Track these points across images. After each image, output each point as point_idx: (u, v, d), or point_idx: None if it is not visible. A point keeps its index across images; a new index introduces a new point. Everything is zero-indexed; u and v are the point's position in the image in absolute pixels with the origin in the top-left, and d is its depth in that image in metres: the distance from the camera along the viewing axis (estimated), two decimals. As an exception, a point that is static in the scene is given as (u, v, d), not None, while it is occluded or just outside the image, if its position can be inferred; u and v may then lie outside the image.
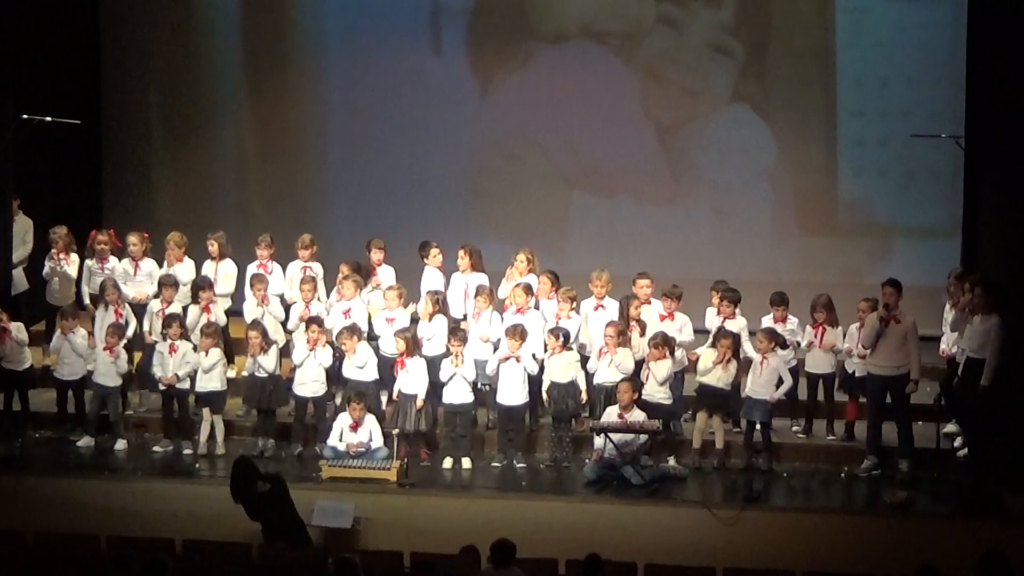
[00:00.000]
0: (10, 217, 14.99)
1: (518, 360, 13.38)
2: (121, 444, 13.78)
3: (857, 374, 13.59)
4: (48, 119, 15.11)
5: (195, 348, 13.64)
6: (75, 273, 14.84)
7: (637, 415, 13.02)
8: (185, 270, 14.64)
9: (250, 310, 14.22)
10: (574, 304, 13.79)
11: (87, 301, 14.63)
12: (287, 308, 14.41)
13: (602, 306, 13.89)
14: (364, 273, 14.47)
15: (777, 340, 13.34)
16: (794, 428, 13.93)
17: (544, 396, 13.51)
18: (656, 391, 13.31)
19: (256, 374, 13.64)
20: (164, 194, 17.32)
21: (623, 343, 13.38)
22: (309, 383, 13.66)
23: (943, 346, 13.97)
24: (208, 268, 14.72)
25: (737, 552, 12.00)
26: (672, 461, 13.30)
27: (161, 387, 13.75)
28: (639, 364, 13.43)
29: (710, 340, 13.63)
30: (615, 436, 12.94)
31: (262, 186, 17.23)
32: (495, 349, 13.69)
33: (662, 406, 13.31)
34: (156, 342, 13.88)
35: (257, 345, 13.57)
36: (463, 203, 16.76)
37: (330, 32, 16.98)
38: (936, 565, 9.99)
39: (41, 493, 12.82)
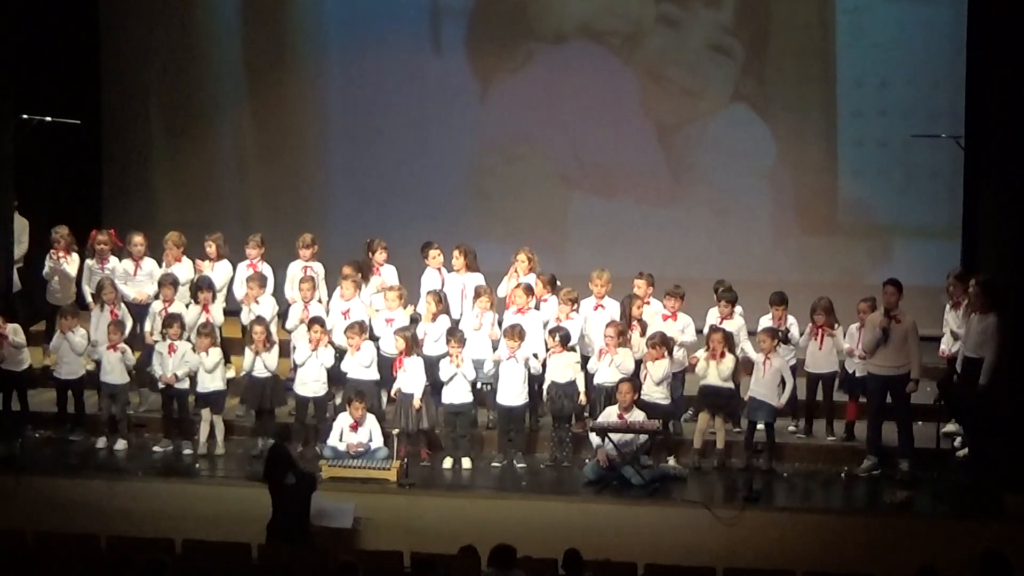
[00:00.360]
0: (11, 217, 14.99)
1: (517, 360, 13.37)
2: (121, 444, 13.78)
3: (857, 374, 13.58)
4: (48, 119, 15.13)
5: (194, 348, 13.65)
6: (75, 273, 14.83)
7: (637, 415, 13.02)
8: (183, 270, 14.63)
9: (246, 311, 14.21)
10: (575, 306, 13.78)
11: (89, 301, 14.62)
12: (286, 308, 14.41)
13: (602, 306, 13.88)
14: (364, 273, 14.46)
15: (779, 336, 13.33)
16: (790, 428, 13.92)
17: (544, 396, 13.51)
18: (653, 391, 13.29)
19: (256, 373, 13.63)
20: (164, 194, 17.31)
21: (623, 343, 13.37)
22: (310, 383, 13.65)
23: (943, 346, 13.98)
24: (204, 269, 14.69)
25: (737, 552, 11.99)
26: (672, 461, 13.30)
27: (160, 387, 13.75)
28: (639, 364, 13.43)
29: (706, 343, 13.63)
30: (615, 436, 12.93)
31: (262, 186, 17.22)
32: (494, 349, 13.70)
33: (659, 406, 13.28)
34: (156, 342, 13.88)
35: (261, 341, 13.57)
36: (463, 203, 16.75)
37: (330, 32, 16.98)
38: (936, 565, 9.98)
39: (41, 493, 12.82)
